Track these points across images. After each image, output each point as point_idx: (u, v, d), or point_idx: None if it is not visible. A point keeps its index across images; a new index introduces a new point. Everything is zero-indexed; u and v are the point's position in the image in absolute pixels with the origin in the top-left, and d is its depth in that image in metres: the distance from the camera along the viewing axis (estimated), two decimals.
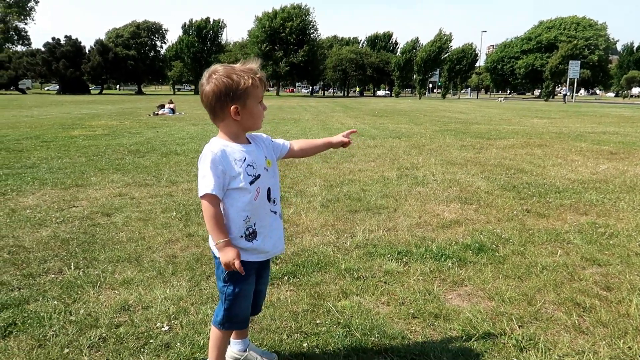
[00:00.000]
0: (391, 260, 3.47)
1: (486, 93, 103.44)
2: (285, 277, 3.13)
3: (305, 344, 2.33)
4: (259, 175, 1.90)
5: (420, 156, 8.55)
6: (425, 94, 68.95)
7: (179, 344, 2.31)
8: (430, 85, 77.27)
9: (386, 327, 2.51)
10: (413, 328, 2.53)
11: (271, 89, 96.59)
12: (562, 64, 55.99)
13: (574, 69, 50.04)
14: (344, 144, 2.26)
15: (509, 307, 2.76)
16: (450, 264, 3.39)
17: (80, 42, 71.56)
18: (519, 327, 2.54)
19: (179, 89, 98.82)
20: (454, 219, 4.55)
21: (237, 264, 1.78)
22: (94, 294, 2.88)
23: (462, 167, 7.43)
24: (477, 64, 78.56)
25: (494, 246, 3.79)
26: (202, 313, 2.62)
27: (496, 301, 2.84)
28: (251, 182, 1.86)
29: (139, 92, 76.89)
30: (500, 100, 55.10)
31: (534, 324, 2.58)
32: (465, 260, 3.47)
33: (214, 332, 2.02)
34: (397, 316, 2.64)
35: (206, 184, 1.79)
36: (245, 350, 2.18)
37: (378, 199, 5.29)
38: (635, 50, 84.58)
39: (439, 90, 73.51)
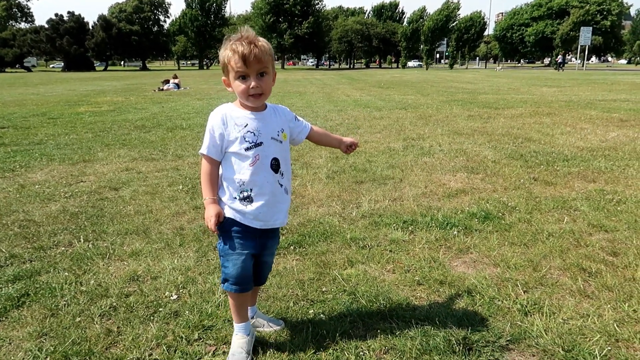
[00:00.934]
0: (397, 229, 3.48)
1: (494, 62, 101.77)
2: (292, 247, 3.16)
3: (311, 311, 2.37)
4: (261, 143, 1.91)
5: (427, 127, 8.48)
6: (432, 64, 67.94)
7: (187, 311, 2.35)
8: (438, 56, 76.04)
9: (391, 293, 2.54)
10: (418, 294, 2.56)
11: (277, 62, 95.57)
12: (573, 30, 54.81)
13: (586, 36, 48.83)
14: (351, 147, 2.30)
15: (514, 273, 2.78)
16: (455, 232, 3.40)
17: (83, 18, 70.88)
18: (523, 292, 2.55)
19: (194, 64, 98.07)
20: (460, 188, 4.54)
21: (212, 221, 1.87)
22: (103, 265, 2.93)
23: (469, 137, 7.36)
24: (486, 33, 77.12)
25: (500, 214, 3.79)
26: (210, 282, 2.66)
27: (501, 267, 2.85)
28: (247, 148, 1.89)
29: (144, 68, 76.48)
30: (498, 69, 54.32)
31: (538, 289, 2.59)
32: (471, 228, 3.48)
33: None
34: (403, 283, 2.67)
35: (203, 144, 1.91)
36: (252, 317, 2.22)
37: (384, 169, 5.28)
38: None
39: (447, 61, 72.40)
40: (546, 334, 2.16)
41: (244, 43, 1.80)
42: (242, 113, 1.91)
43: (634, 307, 2.37)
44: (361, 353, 2.03)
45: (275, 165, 1.95)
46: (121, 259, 3.03)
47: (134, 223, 3.66)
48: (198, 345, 2.09)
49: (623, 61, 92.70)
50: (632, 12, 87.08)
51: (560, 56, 52.49)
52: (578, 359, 1.99)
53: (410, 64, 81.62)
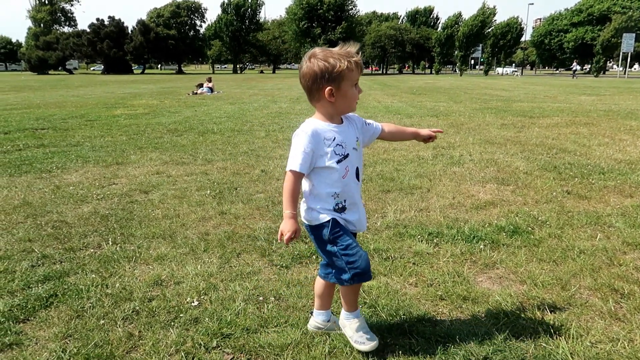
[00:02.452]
0: (421, 241, 3.43)
1: (531, 69, 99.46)
2: (314, 257, 3.15)
3: None
4: (348, 154, 1.98)
5: (458, 135, 8.36)
6: (467, 70, 66.91)
7: (207, 318, 2.37)
8: (473, 62, 74.82)
9: (412, 308, 2.50)
10: (440, 310, 2.51)
11: None
12: (615, 37, 53.07)
13: (628, 42, 47.23)
14: (430, 138, 2.31)
15: (541, 291, 2.69)
16: (482, 246, 3.32)
17: (123, 23, 73.26)
18: (550, 312, 2.47)
19: (235, 68, 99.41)
20: (489, 200, 4.44)
21: (288, 236, 1.88)
22: (129, 268, 2.99)
23: (501, 147, 7.21)
24: (523, 39, 75.49)
25: (530, 228, 3.68)
26: (231, 289, 2.68)
27: (528, 285, 2.77)
28: (338, 161, 1.96)
29: (179, 72, 78.24)
30: (516, 75, 53.99)
31: (566, 310, 2.50)
32: (498, 243, 3.39)
33: (344, 289, 2.12)
34: (425, 297, 2.62)
35: (293, 161, 1.91)
36: (328, 321, 2.25)
37: (411, 178, 5.22)
38: None
39: (482, 67, 71.17)
40: (572, 357, 2.08)
41: (355, 53, 1.91)
42: (328, 127, 1.97)
43: None
44: None
45: (357, 174, 2.05)
46: (147, 262, 3.09)
47: (161, 227, 3.73)
48: (216, 353, 2.11)
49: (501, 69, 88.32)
50: None
51: (575, 64, 53.21)
52: None
53: (502, 70, 73.92)
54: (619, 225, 3.76)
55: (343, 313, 2.18)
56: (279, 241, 1.93)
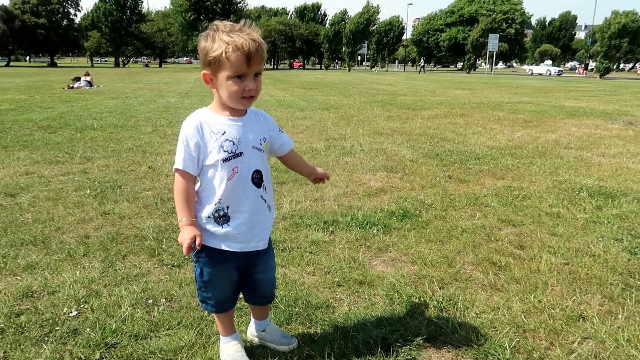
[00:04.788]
0: (317, 230, 3.44)
1: (412, 65, 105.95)
2: None
3: None
4: (241, 153, 1.71)
5: (349, 127, 8.59)
6: (354, 65, 69.44)
7: (88, 329, 2.14)
8: (359, 58, 77.82)
9: (311, 297, 2.48)
10: (338, 296, 2.52)
11: (196, 61, 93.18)
12: (483, 37, 58.36)
13: (493, 42, 52.40)
14: (321, 179, 2.22)
15: (430, 269, 2.83)
16: (375, 231, 3.42)
17: None
18: (439, 289, 2.60)
19: (120, 61, 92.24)
20: (379, 187, 4.60)
21: (186, 244, 1.62)
22: None
23: (389, 137, 7.54)
24: (404, 37, 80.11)
25: (418, 212, 3.87)
26: (116, 295, 2.45)
27: (419, 265, 2.90)
28: (225, 159, 1.68)
29: (52, 65, 71.26)
30: (374, 70, 61.43)
31: (453, 285, 2.66)
32: (390, 227, 3.52)
33: None
34: (322, 285, 2.62)
35: (177, 158, 1.69)
36: (263, 331, 2.09)
37: None
38: (547, 24, 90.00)
39: (368, 63, 74.30)
40: (460, 329, 2.20)
41: (248, 39, 1.58)
42: (219, 119, 1.71)
43: (539, 298, 2.50)
44: None
45: (257, 179, 1.76)
46: (14, 273, 2.72)
47: (32, 232, 3.32)
48: None
49: (526, 67, 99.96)
50: (533, 21, 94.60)
51: (422, 60, 63.54)
52: (490, 352, 2.04)
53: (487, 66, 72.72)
54: (493, 204, 4.10)
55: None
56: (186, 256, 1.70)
